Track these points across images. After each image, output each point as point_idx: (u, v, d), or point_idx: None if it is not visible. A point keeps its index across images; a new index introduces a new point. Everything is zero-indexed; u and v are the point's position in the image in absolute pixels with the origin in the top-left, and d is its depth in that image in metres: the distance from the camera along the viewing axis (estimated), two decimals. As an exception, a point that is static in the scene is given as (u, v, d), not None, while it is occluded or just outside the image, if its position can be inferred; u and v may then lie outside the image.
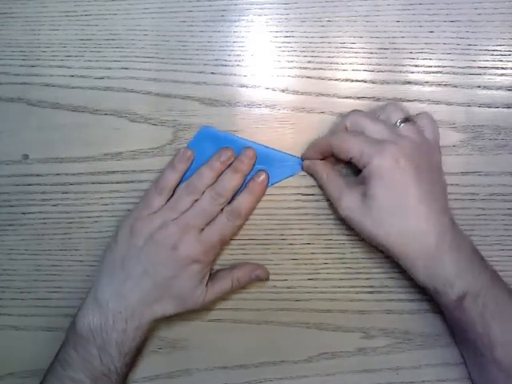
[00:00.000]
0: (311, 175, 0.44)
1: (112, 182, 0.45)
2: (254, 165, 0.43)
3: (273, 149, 0.44)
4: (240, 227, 0.43)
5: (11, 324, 0.46)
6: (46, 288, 0.46)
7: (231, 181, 0.42)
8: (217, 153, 0.43)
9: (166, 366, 0.45)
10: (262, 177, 0.43)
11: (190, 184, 0.42)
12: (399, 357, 0.44)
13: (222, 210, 0.42)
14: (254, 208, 0.44)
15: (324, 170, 0.43)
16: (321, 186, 0.43)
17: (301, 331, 0.45)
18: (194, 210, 0.41)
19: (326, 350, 0.45)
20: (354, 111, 0.41)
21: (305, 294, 0.45)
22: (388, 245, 0.38)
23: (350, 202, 0.39)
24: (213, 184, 0.42)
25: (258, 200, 0.44)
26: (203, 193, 0.41)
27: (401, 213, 0.38)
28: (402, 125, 0.40)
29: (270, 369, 0.45)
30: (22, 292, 0.46)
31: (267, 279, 0.44)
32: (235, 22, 0.45)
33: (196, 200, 0.41)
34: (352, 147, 0.39)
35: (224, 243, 0.43)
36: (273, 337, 0.45)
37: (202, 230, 0.41)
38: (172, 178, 0.42)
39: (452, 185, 0.44)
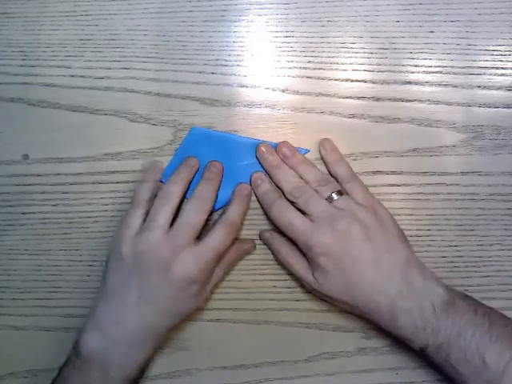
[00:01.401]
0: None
1: (112, 182, 0.45)
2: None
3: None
4: (235, 236, 0.42)
5: (11, 324, 0.46)
6: (46, 288, 0.46)
7: (209, 189, 0.42)
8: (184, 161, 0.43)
9: (166, 366, 0.45)
10: (248, 190, 0.43)
11: (164, 193, 0.41)
12: (399, 357, 0.44)
13: (207, 221, 0.41)
14: (244, 218, 0.43)
15: (283, 246, 0.43)
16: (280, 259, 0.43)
17: (301, 331, 0.45)
18: (178, 227, 0.40)
19: (326, 350, 0.45)
20: (291, 181, 0.42)
21: (305, 294, 0.45)
22: (352, 312, 0.42)
23: (310, 281, 0.41)
24: (192, 195, 0.41)
25: (246, 211, 0.44)
26: (182, 204, 0.41)
27: (347, 289, 0.39)
28: (336, 198, 0.41)
29: (270, 369, 0.45)
30: (21, 292, 0.46)
31: (255, 248, 0.45)
32: (235, 22, 0.45)
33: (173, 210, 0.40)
34: (288, 235, 0.41)
35: (219, 255, 0.41)
36: (273, 337, 0.45)
37: (194, 245, 0.40)
38: (144, 190, 0.42)
39: (452, 185, 0.44)
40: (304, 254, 0.41)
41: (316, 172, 0.43)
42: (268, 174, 0.43)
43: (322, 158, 0.44)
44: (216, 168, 0.43)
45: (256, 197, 0.44)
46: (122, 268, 0.40)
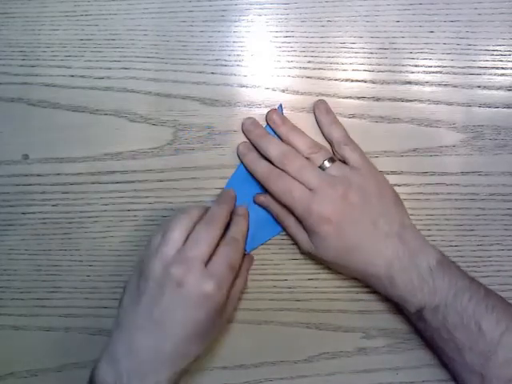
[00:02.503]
0: None
1: (112, 182, 0.45)
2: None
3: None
4: (242, 252, 0.40)
5: (11, 324, 0.46)
6: (46, 288, 0.46)
7: (220, 210, 0.40)
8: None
9: (166, 366, 0.45)
10: (243, 211, 0.43)
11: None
12: (399, 357, 0.44)
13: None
14: (245, 233, 0.42)
15: (280, 208, 0.42)
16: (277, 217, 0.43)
17: (301, 331, 0.45)
18: (190, 241, 0.37)
19: (326, 350, 0.45)
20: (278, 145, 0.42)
21: (305, 293, 0.45)
22: (350, 276, 0.43)
23: (306, 244, 0.41)
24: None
25: (245, 230, 0.42)
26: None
27: (345, 254, 0.40)
28: (328, 166, 0.40)
29: (270, 369, 0.45)
30: (21, 292, 0.46)
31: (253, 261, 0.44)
32: (235, 22, 0.45)
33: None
34: (286, 204, 0.40)
35: (234, 270, 0.38)
36: (273, 337, 0.45)
37: (207, 263, 0.37)
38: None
39: (452, 185, 0.44)
40: (300, 222, 0.41)
41: (307, 139, 0.42)
42: (255, 146, 0.43)
43: (316, 120, 0.44)
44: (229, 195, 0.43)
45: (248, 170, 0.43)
46: (137, 291, 0.37)
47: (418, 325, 0.41)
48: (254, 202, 0.44)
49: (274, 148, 0.41)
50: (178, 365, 0.37)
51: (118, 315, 0.38)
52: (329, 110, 0.44)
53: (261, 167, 0.42)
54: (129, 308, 0.37)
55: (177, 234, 0.38)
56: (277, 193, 0.41)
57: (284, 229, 0.44)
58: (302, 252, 0.43)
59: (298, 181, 0.40)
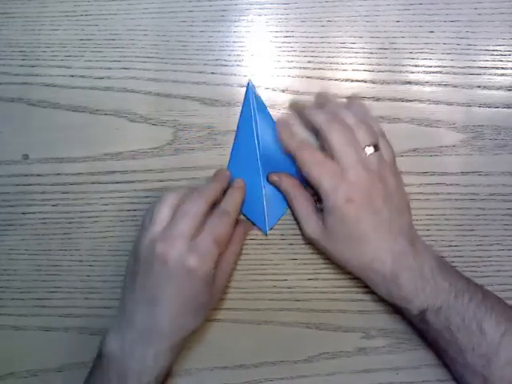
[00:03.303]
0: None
1: (112, 182, 0.45)
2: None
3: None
4: (232, 225, 0.40)
5: (11, 324, 0.46)
6: (46, 288, 0.46)
7: (208, 186, 0.41)
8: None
9: (166, 366, 0.45)
10: (240, 183, 0.43)
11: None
12: (399, 357, 0.44)
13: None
14: (238, 209, 0.42)
15: (291, 187, 0.42)
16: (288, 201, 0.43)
17: (301, 331, 0.45)
18: (175, 218, 0.38)
19: (326, 350, 0.45)
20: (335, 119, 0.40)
21: (305, 293, 0.45)
22: (349, 269, 0.41)
23: (313, 228, 0.41)
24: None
25: (239, 203, 0.42)
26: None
27: (355, 243, 0.39)
28: (369, 153, 0.39)
29: (270, 369, 0.45)
30: (21, 292, 0.46)
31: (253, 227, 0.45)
32: (235, 22, 0.45)
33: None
34: (313, 177, 0.39)
35: (219, 243, 0.39)
36: (273, 337, 0.45)
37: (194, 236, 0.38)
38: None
39: (452, 185, 0.44)
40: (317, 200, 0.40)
41: (363, 117, 0.41)
42: (301, 118, 0.43)
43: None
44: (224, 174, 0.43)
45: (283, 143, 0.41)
46: (133, 268, 0.39)
47: (419, 327, 0.41)
48: (267, 180, 0.44)
49: (324, 112, 0.41)
50: (175, 336, 0.39)
51: (122, 292, 0.40)
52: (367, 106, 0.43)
53: (298, 142, 0.41)
54: (128, 287, 0.39)
55: (163, 213, 0.38)
56: (307, 162, 0.39)
57: (292, 209, 0.43)
58: (306, 237, 0.42)
59: (332, 150, 0.39)
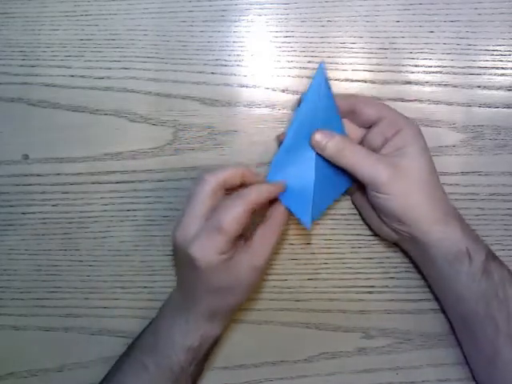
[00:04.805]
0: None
1: (112, 182, 0.45)
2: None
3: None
4: (246, 208, 0.36)
5: (11, 324, 0.46)
6: (46, 288, 0.46)
7: (260, 187, 0.38)
8: None
9: (166, 366, 0.45)
10: (279, 186, 0.39)
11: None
12: (399, 357, 0.44)
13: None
14: (261, 201, 0.38)
15: (346, 145, 0.39)
16: (344, 164, 0.39)
17: (301, 331, 0.45)
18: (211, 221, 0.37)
19: (326, 350, 0.45)
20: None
21: (305, 293, 0.45)
22: (409, 215, 0.38)
23: (388, 173, 0.38)
24: None
25: (264, 199, 0.38)
26: None
27: (427, 178, 0.39)
28: None
29: (270, 369, 0.45)
30: (21, 292, 0.46)
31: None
32: (235, 22, 0.45)
33: None
34: (380, 110, 0.40)
35: (223, 231, 0.36)
36: (273, 337, 0.45)
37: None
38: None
39: (452, 185, 0.44)
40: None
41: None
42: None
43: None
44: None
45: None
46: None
47: (480, 282, 0.38)
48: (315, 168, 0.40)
49: None
50: (219, 318, 0.40)
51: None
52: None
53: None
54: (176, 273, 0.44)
55: (195, 205, 0.37)
56: (371, 109, 0.41)
57: (353, 169, 0.39)
58: (378, 185, 0.38)
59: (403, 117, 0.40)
